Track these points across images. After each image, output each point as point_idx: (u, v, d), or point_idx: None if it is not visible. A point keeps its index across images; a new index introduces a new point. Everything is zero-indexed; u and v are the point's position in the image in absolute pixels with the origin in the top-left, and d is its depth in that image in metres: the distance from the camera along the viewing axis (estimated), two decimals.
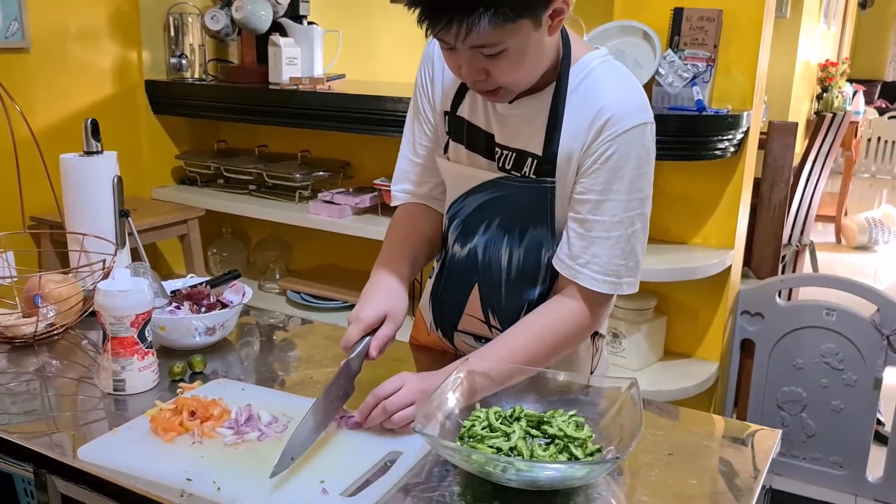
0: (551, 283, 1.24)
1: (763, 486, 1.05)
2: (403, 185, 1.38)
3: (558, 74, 1.15)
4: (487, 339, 1.27)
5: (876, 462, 2.53)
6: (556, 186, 1.17)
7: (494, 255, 1.26)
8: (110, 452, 1.05)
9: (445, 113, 1.28)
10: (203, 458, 1.04)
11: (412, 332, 1.50)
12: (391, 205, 1.41)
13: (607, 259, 1.15)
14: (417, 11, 1.02)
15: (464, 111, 1.24)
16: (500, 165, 1.21)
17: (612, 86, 1.15)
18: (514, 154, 1.19)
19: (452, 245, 1.32)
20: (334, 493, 0.96)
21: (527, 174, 1.19)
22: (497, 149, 1.21)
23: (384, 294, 1.22)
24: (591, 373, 1.35)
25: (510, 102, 1.17)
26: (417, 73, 1.32)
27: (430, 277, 1.40)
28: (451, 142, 1.27)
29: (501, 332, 1.25)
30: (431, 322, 1.39)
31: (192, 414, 1.11)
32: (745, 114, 2.26)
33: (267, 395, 1.23)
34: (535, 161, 1.18)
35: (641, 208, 1.15)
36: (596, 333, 1.32)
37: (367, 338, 1.18)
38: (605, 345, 1.39)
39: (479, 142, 1.23)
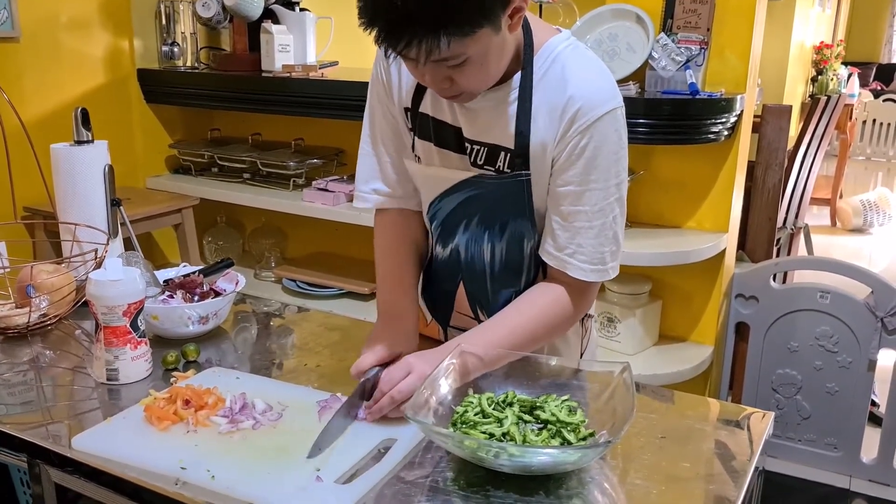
0: (535, 273, 1.25)
1: (756, 468, 1.06)
2: (374, 184, 1.32)
3: (522, 64, 1.14)
4: None
5: (870, 443, 2.55)
6: (531, 179, 1.16)
7: (476, 252, 1.25)
8: (104, 442, 1.05)
9: (406, 109, 1.25)
10: (197, 446, 1.04)
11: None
12: (358, 206, 1.34)
13: (593, 248, 1.16)
14: (374, 32, 0.99)
15: (426, 107, 1.22)
16: (472, 161, 1.20)
17: (579, 72, 1.13)
18: (486, 149, 1.18)
19: (435, 245, 1.32)
20: (328, 480, 0.97)
21: (501, 168, 1.17)
22: (467, 144, 1.19)
23: (396, 331, 1.23)
24: (581, 354, 1.36)
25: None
26: (374, 69, 1.29)
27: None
28: (417, 140, 1.25)
29: None
30: (430, 315, 1.39)
31: (187, 403, 1.11)
32: (738, 97, 2.26)
33: (262, 384, 1.23)
34: (508, 155, 1.16)
35: (619, 192, 1.16)
36: (585, 314, 1.33)
37: (377, 369, 1.16)
38: (594, 325, 1.40)
39: (447, 137, 1.21)
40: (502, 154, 1.17)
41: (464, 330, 1.29)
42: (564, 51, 1.14)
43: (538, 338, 1.19)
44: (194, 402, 1.11)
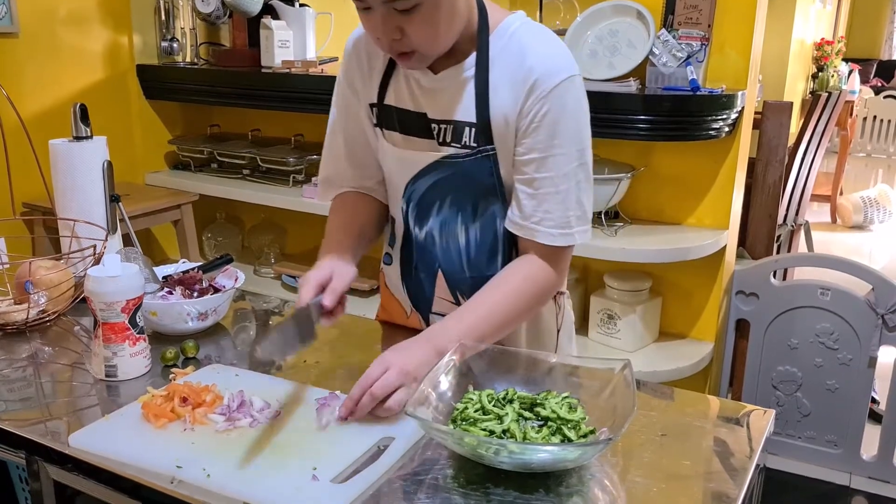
0: (510, 253, 1.27)
1: (757, 465, 1.05)
2: (333, 177, 1.40)
3: (478, 42, 1.18)
4: None
5: (870, 440, 2.55)
6: (497, 154, 1.19)
7: (451, 235, 1.28)
8: (101, 439, 1.05)
9: (371, 105, 1.30)
10: (194, 444, 1.03)
11: (380, 313, 1.52)
12: (321, 201, 1.43)
13: (559, 213, 1.18)
14: None
15: (391, 99, 1.26)
16: (440, 141, 1.23)
17: (535, 46, 1.17)
18: (451, 126, 1.21)
19: (413, 227, 1.33)
20: (325, 479, 0.96)
21: (467, 143, 1.20)
22: (433, 125, 1.23)
23: (328, 261, 1.25)
24: (558, 331, 1.38)
25: (435, 74, 1.20)
26: (341, 68, 1.34)
27: (388, 264, 1.42)
28: (383, 131, 1.29)
29: None
30: (411, 307, 1.40)
31: (184, 400, 1.10)
32: (739, 93, 2.25)
33: (260, 381, 1.22)
34: (473, 129, 1.19)
35: (582, 158, 1.18)
36: (558, 292, 1.36)
37: (319, 297, 1.20)
38: (567, 302, 1.42)
39: (413, 123, 1.25)
40: (467, 129, 1.20)
41: (444, 315, 1.31)
42: (520, 28, 1.19)
43: (515, 316, 1.20)
44: (192, 400, 1.10)
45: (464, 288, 1.30)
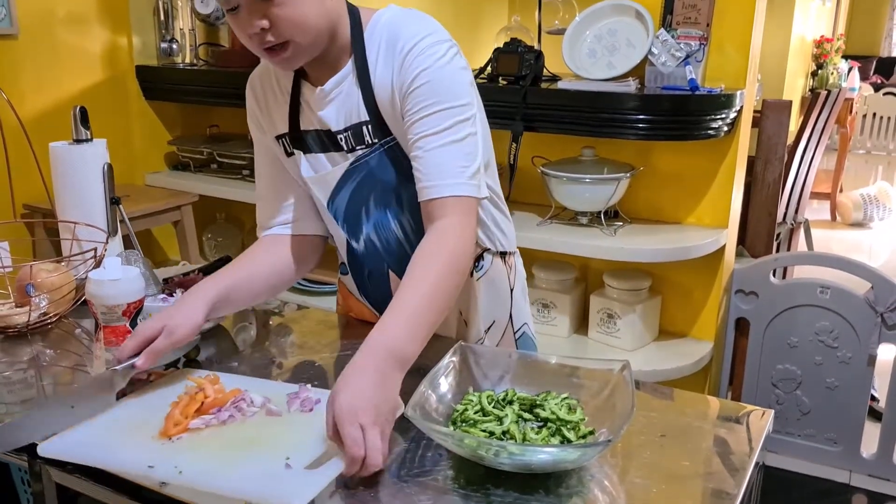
0: None
1: (756, 463, 1.06)
2: (270, 212, 1.39)
3: (352, 43, 1.21)
4: None
5: (870, 438, 2.55)
6: (398, 141, 1.23)
7: (388, 233, 1.30)
8: (71, 446, 1.04)
9: (279, 136, 1.32)
10: (164, 445, 1.03)
11: (340, 308, 1.55)
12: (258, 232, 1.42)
13: (453, 163, 1.17)
14: None
15: (303, 124, 1.29)
16: (347, 149, 1.26)
17: (400, 26, 1.20)
18: (351, 131, 1.24)
19: (351, 241, 1.36)
20: (298, 467, 0.96)
21: (370, 142, 1.23)
22: (338, 136, 1.26)
23: (171, 311, 1.19)
24: (511, 290, 1.42)
25: (322, 86, 1.22)
26: (247, 105, 1.37)
27: (345, 273, 1.44)
28: (300, 154, 1.31)
29: None
30: (375, 311, 1.43)
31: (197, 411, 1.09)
32: (738, 92, 2.25)
33: (230, 380, 1.19)
34: (369, 126, 1.23)
35: (465, 114, 1.18)
36: (505, 253, 1.40)
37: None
38: (518, 260, 1.45)
39: (323, 142, 1.28)
40: (364, 129, 1.23)
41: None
42: (389, 16, 1.22)
43: (450, 288, 1.14)
44: (206, 407, 1.09)
45: None
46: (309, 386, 1.15)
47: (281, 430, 1.05)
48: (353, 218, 1.32)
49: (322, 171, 1.30)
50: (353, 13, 1.23)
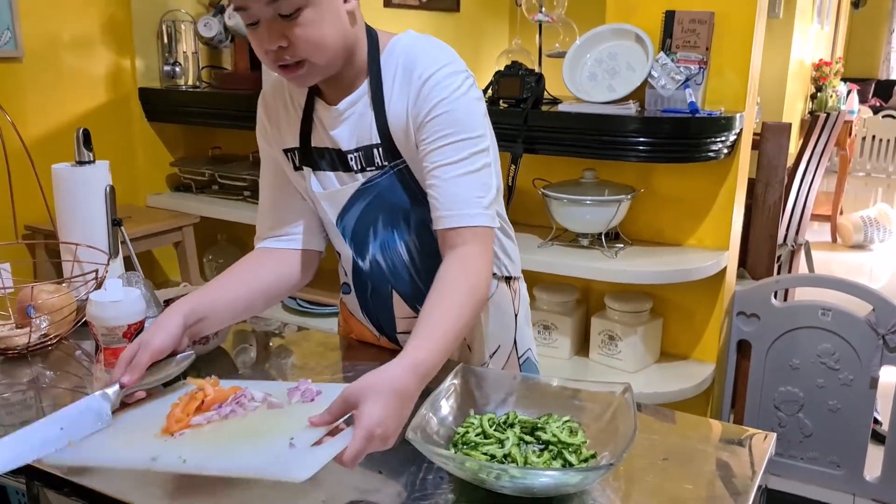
0: None
1: (759, 487, 1.05)
2: (270, 225, 1.39)
3: (369, 65, 1.22)
4: None
5: (873, 461, 2.53)
6: (408, 164, 1.23)
7: (394, 254, 1.31)
8: (70, 452, 1.02)
9: (287, 150, 1.33)
10: (167, 441, 1.02)
11: (341, 330, 1.54)
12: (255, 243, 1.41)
13: (470, 194, 1.18)
14: None
15: (314, 141, 1.30)
16: (356, 169, 1.26)
17: (418, 54, 1.21)
18: (362, 152, 1.25)
19: (357, 259, 1.36)
20: (303, 446, 0.95)
21: (380, 164, 1.24)
22: (349, 156, 1.26)
23: (152, 328, 1.17)
24: (516, 315, 1.42)
25: (335, 106, 1.24)
26: (258, 119, 1.37)
27: (347, 293, 1.44)
28: (309, 170, 1.31)
29: None
30: (378, 332, 1.43)
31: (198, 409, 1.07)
32: (737, 115, 2.27)
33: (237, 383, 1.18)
34: (380, 148, 1.23)
35: (481, 144, 1.20)
36: (510, 278, 1.40)
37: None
38: (522, 285, 1.45)
39: (332, 160, 1.28)
40: (375, 151, 1.24)
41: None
42: (407, 42, 1.24)
43: (470, 316, 1.14)
44: (207, 404, 1.07)
45: (421, 300, 1.27)
46: (309, 380, 1.13)
47: (283, 419, 1.03)
48: (360, 237, 1.32)
49: (331, 189, 1.30)
50: (371, 35, 1.24)
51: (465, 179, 1.18)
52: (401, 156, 1.23)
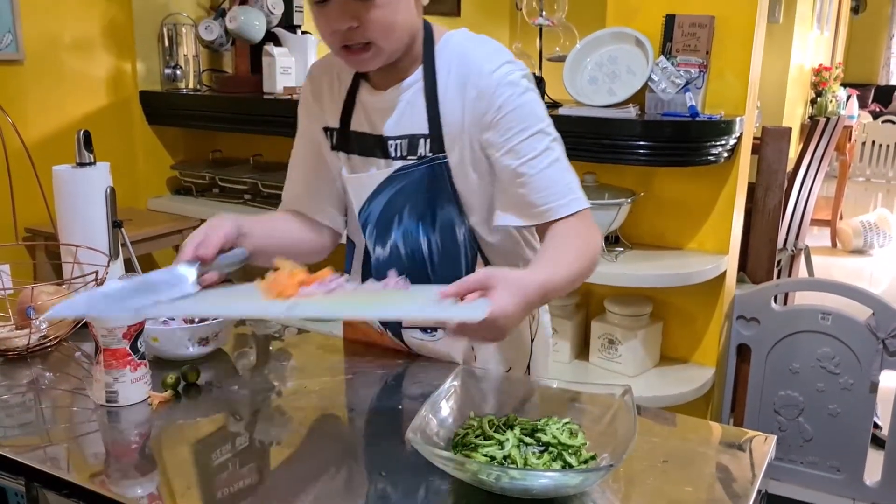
0: (473, 260, 1.29)
1: (759, 491, 1.05)
2: (294, 196, 1.41)
3: (424, 55, 1.23)
4: (434, 330, 1.33)
5: (873, 466, 2.53)
6: (448, 161, 1.22)
7: (414, 244, 1.30)
8: (185, 305, 1.04)
9: (328, 129, 1.33)
10: (283, 303, 1.02)
11: (347, 332, 1.52)
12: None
13: (562, 182, 1.20)
14: None
15: (353, 125, 1.30)
16: (396, 156, 1.26)
17: (473, 50, 1.22)
18: (406, 140, 1.24)
19: (374, 249, 1.35)
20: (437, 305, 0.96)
21: (423, 155, 1.23)
22: (390, 142, 1.26)
23: (213, 221, 1.20)
24: (532, 339, 1.40)
25: (384, 91, 1.24)
26: (302, 92, 1.38)
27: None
28: (343, 154, 1.32)
29: None
30: (378, 325, 1.42)
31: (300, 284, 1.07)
32: (737, 119, 2.27)
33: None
34: (427, 140, 1.23)
35: (552, 134, 1.21)
36: None
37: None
38: (544, 314, 1.44)
39: (370, 146, 1.28)
40: (421, 141, 1.23)
41: (421, 329, 1.34)
42: (461, 38, 1.24)
43: (585, 275, 1.17)
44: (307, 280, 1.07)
45: None
46: (399, 275, 1.11)
47: (393, 294, 1.03)
48: (384, 223, 1.31)
49: (362, 173, 1.30)
50: (427, 27, 1.25)
51: (554, 169, 1.19)
52: (444, 150, 1.22)
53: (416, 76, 1.23)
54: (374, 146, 1.28)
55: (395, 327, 1.40)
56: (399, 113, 1.24)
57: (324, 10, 1.13)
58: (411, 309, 0.94)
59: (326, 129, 1.34)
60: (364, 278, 1.39)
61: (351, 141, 1.30)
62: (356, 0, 1.10)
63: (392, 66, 1.22)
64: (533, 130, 1.19)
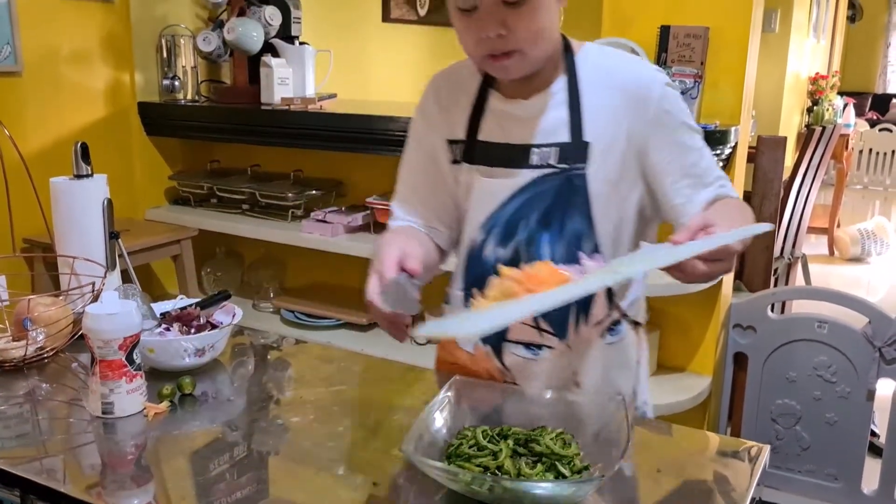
0: None
1: (753, 499, 1.05)
2: (398, 210, 1.37)
3: (566, 65, 1.23)
4: (538, 348, 1.27)
5: (871, 474, 2.53)
6: (586, 173, 1.21)
7: (536, 251, 1.24)
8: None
9: (452, 141, 1.30)
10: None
11: (439, 355, 1.41)
12: (388, 222, 1.38)
13: (719, 173, 1.25)
14: None
15: (482, 135, 1.27)
16: (535, 164, 1.23)
17: (622, 63, 1.25)
18: (548, 149, 1.23)
19: (495, 249, 1.28)
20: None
21: (562, 165, 1.22)
22: (531, 150, 1.24)
23: (390, 246, 1.17)
24: (638, 363, 1.35)
25: (526, 100, 1.23)
26: (417, 106, 1.35)
27: (459, 290, 1.35)
28: (470, 165, 1.28)
29: (552, 335, 1.25)
30: (480, 343, 1.32)
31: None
32: (733, 129, 2.28)
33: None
34: (568, 149, 1.21)
35: (700, 131, 1.26)
36: (637, 323, 1.35)
37: (403, 275, 1.13)
38: (643, 333, 1.39)
39: (500, 155, 1.26)
40: (561, 150, 1.22)
41: (525, 344, 1.28)
42: (600, 50, 1.27)
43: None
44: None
45: (544, 315, 1.26)
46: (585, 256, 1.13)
47: (629, 259, 1.12)
48: (510, 227, 1.26)
49: (493, 182, 1.26)
50: (563, 37, 1.25)
51: (712, 164, 1.25)
52: (584, 160, 1.21)
53: (560, 84, 1.22)
54: (510, 155, 1.24)
55: (497, 342, 1.30)
56: (541, 122, 1.22)
57: (470, 19, 1.13)
58: (682, 251, 0.98)
59: (451, 142, 1.30)
60: (469, 274, 1.33)
61: (482, 151, 1.27)
62: (504, 7, 1.10)
63: (534, 74, 1.21)
64: (689, 132, 1.23)
